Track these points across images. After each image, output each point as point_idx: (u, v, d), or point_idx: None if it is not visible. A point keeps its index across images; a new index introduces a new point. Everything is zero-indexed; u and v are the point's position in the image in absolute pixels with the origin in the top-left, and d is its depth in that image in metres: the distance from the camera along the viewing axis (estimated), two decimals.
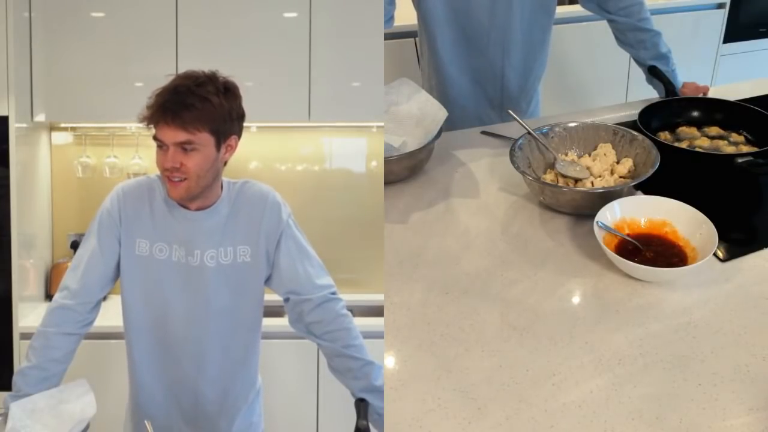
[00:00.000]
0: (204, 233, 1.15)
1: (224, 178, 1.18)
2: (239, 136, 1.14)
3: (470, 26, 1.85)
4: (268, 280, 1.20)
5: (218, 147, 1.10)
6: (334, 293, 1.18)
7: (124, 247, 1.15)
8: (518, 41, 1.88)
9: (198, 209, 1.15)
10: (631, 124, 1.59)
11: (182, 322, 1.17)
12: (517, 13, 1.82)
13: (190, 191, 1.10)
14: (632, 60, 1.96)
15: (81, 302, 1.14)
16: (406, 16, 2.28)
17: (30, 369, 1.11)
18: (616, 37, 1.93)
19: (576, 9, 2.20)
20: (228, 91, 1.10)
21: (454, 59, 1.92)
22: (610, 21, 1.91)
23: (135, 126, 2.12)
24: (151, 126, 1.08)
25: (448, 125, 1.85)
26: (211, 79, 1.09)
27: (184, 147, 1.07)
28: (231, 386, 1.22)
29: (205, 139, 1.07)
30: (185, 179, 1.09)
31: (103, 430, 1.34)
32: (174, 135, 1.06)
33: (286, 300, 1.19)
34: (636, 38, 1.87)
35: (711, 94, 1.91)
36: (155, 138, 1.08)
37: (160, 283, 1.15)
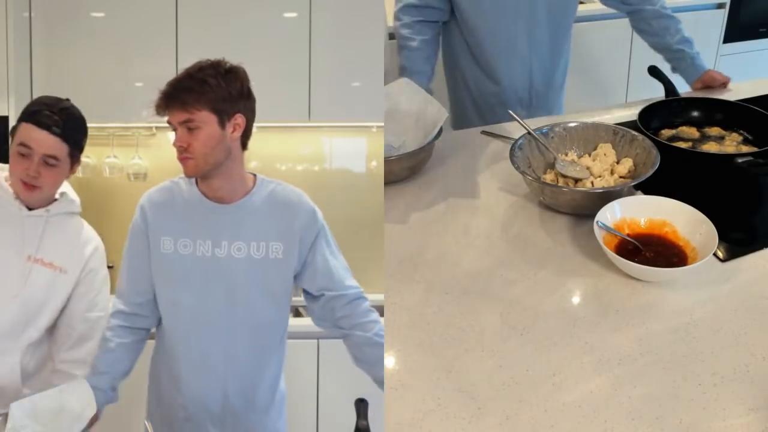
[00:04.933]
0: (232, 225, 1.17)
1: (259, 175, 1.21)
2: (247, 115, 1.17)
3: (499, 29, 1.89)
4: (298, 278, 1.22)
5: (222, 125, 1.14)
6: (363, 294, 1.22)
7: (152, 247, 1.19)
8: (545, 34, 1.91)
9: (228, 202, 1.18)
10: (631, 124, 1.59)
11: (209, 318, 1.18)
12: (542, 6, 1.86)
13: (198, 168, 1.14)
14: (631, 60, 1.98)
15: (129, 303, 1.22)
16: None
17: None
18: (640, 29, 1.96)
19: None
20: (229, 73, 1.15)
21: (485, 62, 1.95)
22: (633, 13, 1.95)
23: (135, 126, 2.12)
24: (156, 113, 1.14)
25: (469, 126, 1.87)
26: (214, 65, 1.15)
27: (188, 127, 1.12)
28: (258, 383, 1.22)
29: (205, 117, 1.12)
30: (192, 158, 1.13)
31: (105, 429, 1.34)
32: (177, 116, 1.12)
33: (319, 296, 1.21)
34: (661, 25, 1.92)
35: (710, 94, 1.92)
36: (167, 122, 1.15)
37: (185, 279, 1.17)
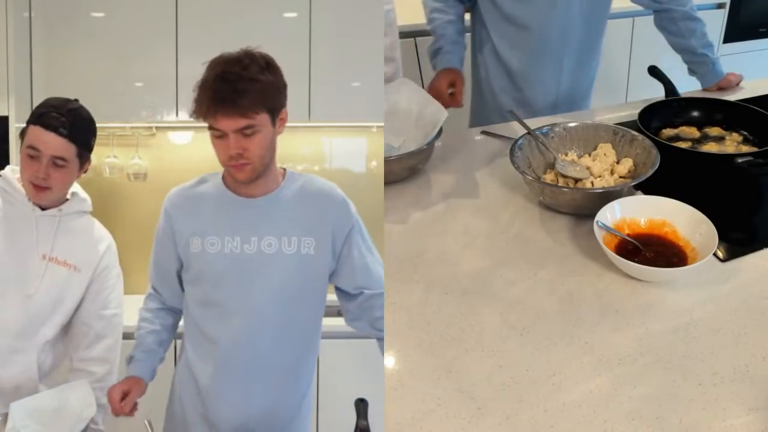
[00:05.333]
0: (262, 219, 1.12)
1: (289, 169, 1.17)
2: (286, 107, 1.13)
3: (532, 20, 1.85)
4: (333, 275, 1.17)
5: (274, 123, 1.10)
6: None
7: (181, 249, 1.15)
8: (578, 31, 1.88)
9: (257, 196, 1.13)
10: (631, 124, 1.59)
11: (238, 318, 1.12)
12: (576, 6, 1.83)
13: (256, 171, 1.10)
14: (631, 60, 1.98)
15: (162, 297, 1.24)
16: (406, 16, 2.28)
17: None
18: (665, 28, 1.95)
19: None
20: (270, 66, 1.09)
21: (512, 58, 1.93)
22: (661, 11, 1.94)
23: (135, 126, 2.12)
24: (200, 118, 1.06)
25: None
26: (251, 57, 1.08)
27: (244, 132, 1.05)
28: (284, 390, 1.16)
29: (263, 119, 1.07)
30: (249, 163, 1.08)
31: (109, 428, 1.34)
32: (234, 123, 1.04)
33: (357, 295, 1.17)
34: (687, 27, 1.91)
35: (710, 94, 1.92)
36: (212, 128, 1.06)
37: (214, 279, 1.12)
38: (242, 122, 1.04)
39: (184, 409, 1.17)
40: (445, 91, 1.87)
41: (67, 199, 1.30)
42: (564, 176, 1.46)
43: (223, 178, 1.15)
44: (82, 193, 1.34)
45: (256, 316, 1.12)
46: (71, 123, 1.22)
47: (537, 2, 1.81)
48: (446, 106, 1.65)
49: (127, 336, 1.56)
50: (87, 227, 1.33)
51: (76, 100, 1.28)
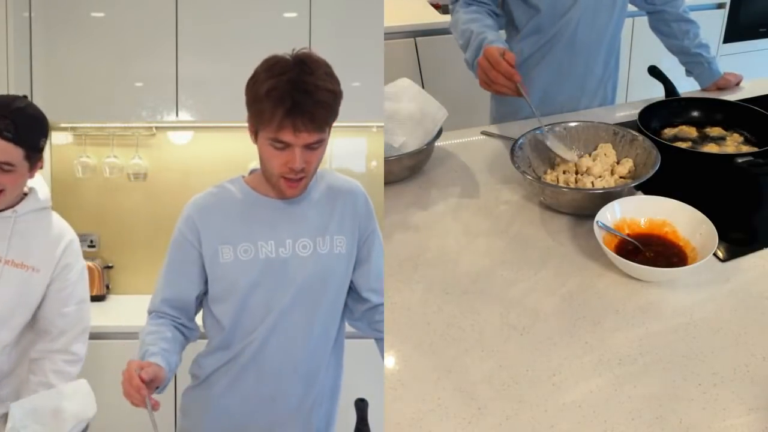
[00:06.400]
0: (296, 221, 1.10)
1: None
2: None
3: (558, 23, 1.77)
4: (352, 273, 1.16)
5: (329, 134, 1.05)
6: None
7: (208, 259, 1.09)
8: (607, 24, 1.81)
9: (289, 197, 1.10)
10: (631, 124, 1.59)
11: (271, 317, 1.09)
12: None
13: (307, 186, 1.07)
14: (631, 60, 1.97)
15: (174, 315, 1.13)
16: (405, 16, 2.28)
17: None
18: (659, 30, 1.96)
19: None
20: (332, 73, 1.04)
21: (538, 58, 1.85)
22: (655, 13, 1.93)
23: (135, 126, 2.12)
24: (264, 129, 0.99)
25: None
26: (321, 65, 1.02)
27: (312, 146, 1.00)
28: (316, 385, 1.14)
29: (328, 132, 1.03)
30: (306, 177, 1.04)
31: (104, 430, 1.34)
32: (310, 137, 0.99)
33: (366, 300, 1.15)
34: (681, 29, 1.92)
35: (710, 94, 1.92)
36: (278, 140, 0.99)
37: (250, 288, 1.08)
38: (317, 136, 0.99)
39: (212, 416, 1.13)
40: (498, 57, 1.54)
41: (25, 194, 1.25)
42: (555, 161, 1.45)
43: (245, 180, 1.12)
44: (41, 190, 1.28)
45: (290, 320, 1.09)
46: (16, 125, 1.15)
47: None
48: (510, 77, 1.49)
49: (119, 336, 1.56)
50: (45, 225, 1.27)
51: (25, 97, 1.22)
